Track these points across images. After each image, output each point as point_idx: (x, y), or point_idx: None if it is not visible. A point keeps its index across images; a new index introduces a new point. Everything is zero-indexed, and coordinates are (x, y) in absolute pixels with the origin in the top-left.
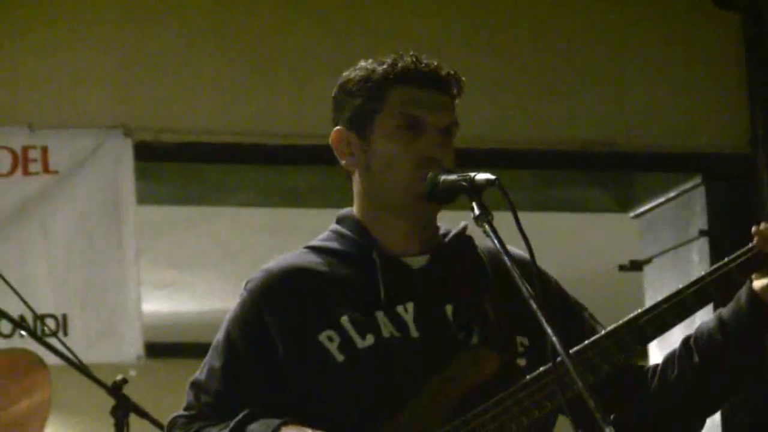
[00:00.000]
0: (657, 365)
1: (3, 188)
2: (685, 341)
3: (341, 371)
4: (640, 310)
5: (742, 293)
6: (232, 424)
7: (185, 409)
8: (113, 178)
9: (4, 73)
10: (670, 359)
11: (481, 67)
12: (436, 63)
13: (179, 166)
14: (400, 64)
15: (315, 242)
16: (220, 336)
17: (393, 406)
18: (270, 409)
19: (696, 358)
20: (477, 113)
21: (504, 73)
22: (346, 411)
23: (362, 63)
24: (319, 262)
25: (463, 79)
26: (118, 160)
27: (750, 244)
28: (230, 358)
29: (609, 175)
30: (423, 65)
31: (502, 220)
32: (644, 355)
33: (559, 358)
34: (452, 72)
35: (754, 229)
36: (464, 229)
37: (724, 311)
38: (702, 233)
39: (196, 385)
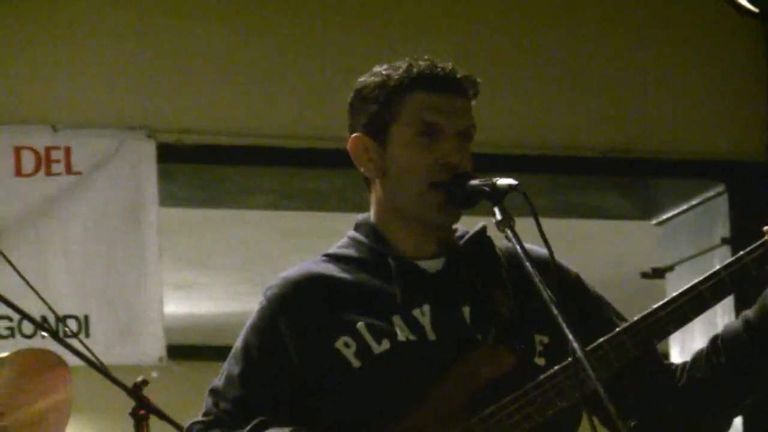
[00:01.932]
0: (684, 363)
1: (26, 188)
2: (713, 340)
3: (358, 377)
4: (656, 305)
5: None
6: (246, 430)
7: (203, 415)
8: (135, 179)
9: (28, 73)
10: (697, 358)
11: (502, 73)
12: (451, 66)
13: (201, 168)
14: (415, 70)
15: (333, 250)
16: (238, 343)
17: (410, 409)
18: (287, 417)
19: (723, 358)
20: (498, 118)
21: (525, 79)
22: (363, 416)
23: (377, 68)
24: (336, 269)
25: (479, 80)
26: (141, 161)
27: (766, 237)
28: (246, 365)
29: (631, 181)
30: (438, 70)
31: (524, 225)
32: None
33: (575, 358)
34: (468, 74)
35: (765, 228)
36: (483, 229)
37: (750, 310)
38: (724, 241)
39: (214, 392)
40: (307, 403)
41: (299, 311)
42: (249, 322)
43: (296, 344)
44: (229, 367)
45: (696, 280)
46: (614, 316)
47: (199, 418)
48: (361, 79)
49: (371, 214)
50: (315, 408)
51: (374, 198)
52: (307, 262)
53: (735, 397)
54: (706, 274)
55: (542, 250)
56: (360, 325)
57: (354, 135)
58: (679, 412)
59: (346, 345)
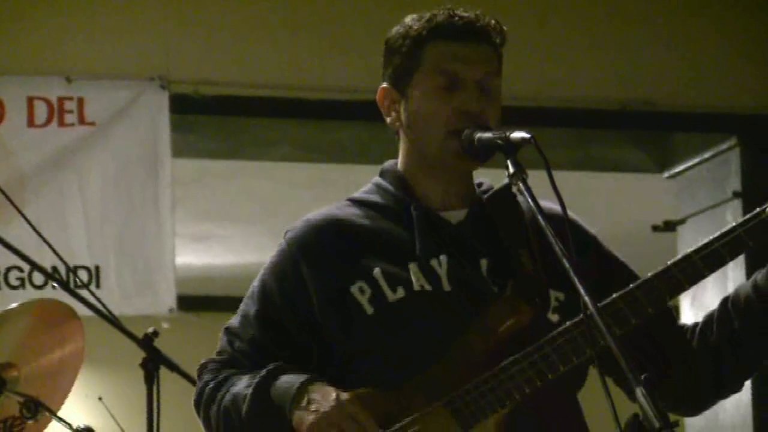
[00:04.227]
0: (695, 325)
1: (39, 139)
2: (723, 303)
3: (370, 324)
4: (671, 261)
5: None
6: (259, 376)
7: (217, 354)
8: (150, 131)
9: (42, 23)
10: (708, 322)
11: (519, 25)
12: (473, 14)
13: (217, 119)
14: (435, 20)
15: (357, 195)
16: (255, 284)
17: (422, 359)
18: (302, 360)
19: (735, 323)
20: (514, 70)
21: (542, 32)
22: (376, 364)
23: (406, 19)
24: (358, 214)
25: (503, 27)
26: (155, 113)
27: None
28: (265, 306)
29: (645, 134)
30: (457, 18)
31: (538, 178)
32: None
33: (586, 312)
34: (491, 21)
35: None
36: (507, 185)
37: (759, 274)
38: (736, 194)
39: (229, 331)
40: (322, 347)
41: (319, 254)
42: (267, 263)
43: (316, 287)
44: (245, 307)
45: (711, 237)
46: (631, 279)
47: (214, 356)
48: (392, 29)
49: (398, 162)
50: (330, 353)
51: (401, 147)
52: (330, 206)
53: (747, 360)
54: (722, 230)
55: (559, 208)
56: (377, 271)
57: (381, 86)
58: (691, 373)
59: (361, 291)
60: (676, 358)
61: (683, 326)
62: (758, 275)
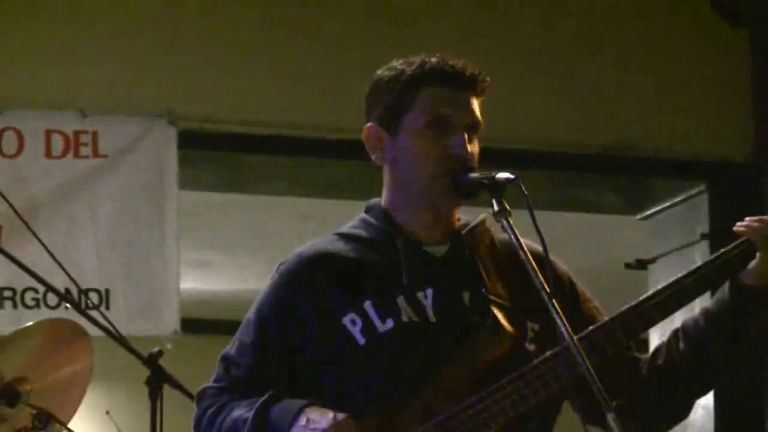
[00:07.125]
0: (647, 355)
1: (55, 169)
2: (674, 331)
3: (363, 353)
4: (644, 296)
5: (727, 281)
6: (256, 405)
7: (214, 381)
8: (158, 164)
9: (59, 62)
10: (659, 348)
11: (499, 69)
12: (462, 63)
13: (220, 155)
14: (428, 65)
15: (344, 229)
16: (250, 314)
17: (410, 388)
18: (296, 387)
19: (682, 344)
20: (496, 114)
21: (523, 77)
22: (368, 391)
23: (393, 63)
24: (347, 248)
25: (487, 78)
26: (163, 147)
27: (748, 234)
28: (260, 334)
29: (620, 178)
30: (450, 66)
31: (519, 217)
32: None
33: (566, 342)
34: (477, 72)
35: (739, 225)
36: (483, 221)
37: (710, 301)
38: (704, 236)
39: (226, 359)
40: (316, 376)
41: (312, 286)
42: (262, 294)
43: (310, 317)
44: (241, 336)
45: (681, 274)
46: (598, 314)
47: (211, 384)
48: (379, 72)
49: (382, 199)
50: (322, 381)
51: (386, 184)
52: (318, 239)
53: (694, 381)
54: (691, 269)
55: (538, 247)
56: (367, 303)
57: (368, 125)
58: (643, 399)
59: (353, 322)
60: (628, 387)
61: (638, 358)
62: (707, 303)
